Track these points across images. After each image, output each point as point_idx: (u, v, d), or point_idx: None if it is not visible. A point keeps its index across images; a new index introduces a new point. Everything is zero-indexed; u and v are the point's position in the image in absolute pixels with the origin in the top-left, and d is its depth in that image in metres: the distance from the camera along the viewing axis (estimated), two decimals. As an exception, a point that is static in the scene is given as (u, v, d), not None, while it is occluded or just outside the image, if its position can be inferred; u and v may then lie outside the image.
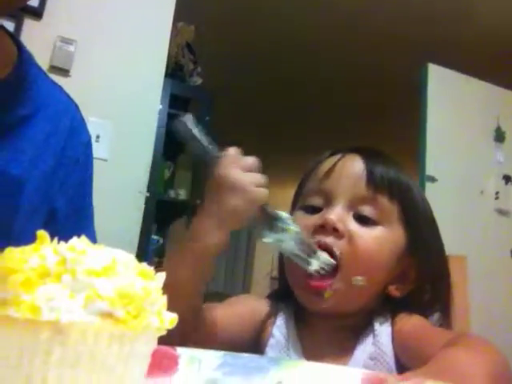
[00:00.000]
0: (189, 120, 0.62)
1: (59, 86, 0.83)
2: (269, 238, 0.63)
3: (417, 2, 2.99)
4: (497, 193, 3.02)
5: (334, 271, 0.65)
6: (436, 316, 0.72)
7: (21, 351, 0.25)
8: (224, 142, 0.65)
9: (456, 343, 0.53)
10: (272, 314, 0.73)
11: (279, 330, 0.70)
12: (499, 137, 3.10)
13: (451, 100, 3.00)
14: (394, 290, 0.69)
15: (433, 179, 2.83)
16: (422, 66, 3.01)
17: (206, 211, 0.62)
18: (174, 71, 2.47)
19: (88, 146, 0.84)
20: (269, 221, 0.63)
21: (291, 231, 0.63)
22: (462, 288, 0.81)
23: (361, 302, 0.68)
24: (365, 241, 0.66)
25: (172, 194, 2.49)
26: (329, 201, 0.69)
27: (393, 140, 3.50)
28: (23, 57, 0.75)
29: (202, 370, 0.39)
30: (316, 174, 0.73)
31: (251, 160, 0.63)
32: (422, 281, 0.70)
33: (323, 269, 0.64)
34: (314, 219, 0.68)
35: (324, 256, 0.64)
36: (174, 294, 0.61)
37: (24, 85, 0.74)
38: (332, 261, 0.64)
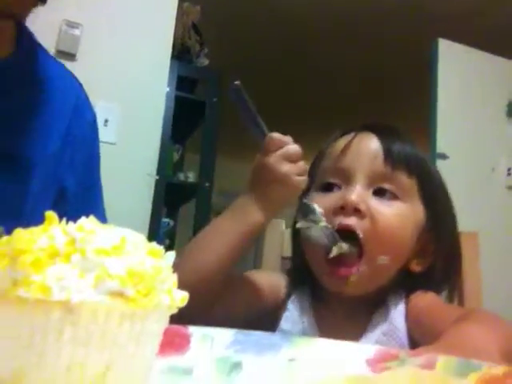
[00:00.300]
0: (241, 89, 0.63)
1: (62, 65, 0.83)
2: (300, 224, 0.67)
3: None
4: (509, 169, 2.99)
5: (358, 255, 0.65)
6: (444, 294, 0.72)
7: (32, 331, 0.25)
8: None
9: (467, 318, 0.53)
10: (289, 289, 0.74)
11: (293, 304, 0.71)
12: (511, 112, 3.05)
13: (462, 75, 2.95)
14: (414, 265, 0.69)
15: (444, 156, 2.80)
16: (432, 41, 2.96)
17: (250, 195, 0.64)
18: (180, 53, 2.45)
19: (93, 124, 0.84)
20: (303, 209, 0.66)
21: (321, 225, 0.65)
22: (473, 264, 0.80)
23: (383, 280, 0.68)
24: (387, 218, 0.66)
25: (181, 176, 2.50)
26: (347, 179, 0.69)
27: (403, 117, 3.45)
28: (24, 36, 0.75)
29: (215, 348, 0.39)
30: (331, 153, 0.73)
31: (295, 149, 0.64)
32: (438, 256, 0.70)
33: (341, 254, 0.65)
34: (334, 198, 0.67)
35: (344, 246, 0.65)
36: (209, 255, 0.62)
37: (27, 64, 0.73)
38: (350, 250, 0.65)
